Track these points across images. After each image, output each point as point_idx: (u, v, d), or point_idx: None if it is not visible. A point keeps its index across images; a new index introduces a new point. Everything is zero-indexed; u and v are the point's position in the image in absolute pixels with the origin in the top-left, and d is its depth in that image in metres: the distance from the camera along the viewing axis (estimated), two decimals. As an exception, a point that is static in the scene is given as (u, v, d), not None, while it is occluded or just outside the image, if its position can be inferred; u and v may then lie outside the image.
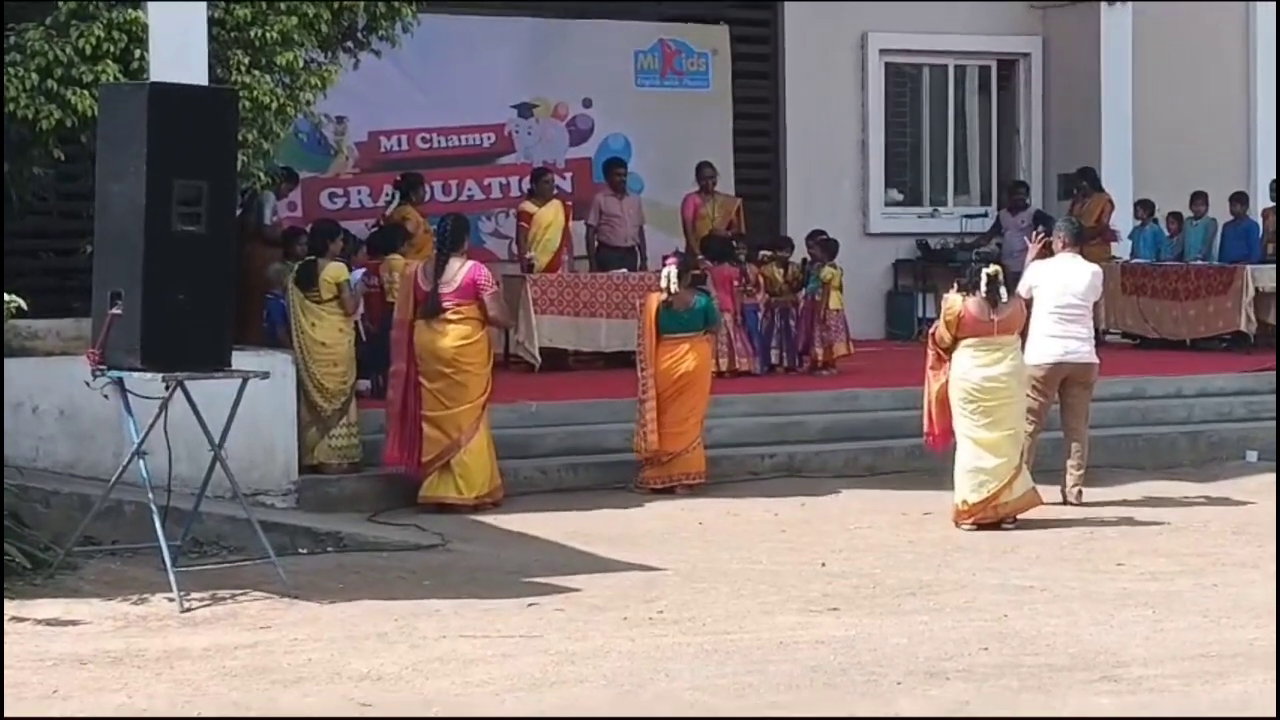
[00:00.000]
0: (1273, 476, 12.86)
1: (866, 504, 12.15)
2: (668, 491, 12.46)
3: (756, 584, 9.55)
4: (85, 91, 11.43)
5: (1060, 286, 12.17)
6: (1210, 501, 12.44)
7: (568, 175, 18.32)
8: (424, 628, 8.48)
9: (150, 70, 11.51)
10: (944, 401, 11.49)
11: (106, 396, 9.42)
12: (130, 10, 11.72)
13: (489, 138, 18.31)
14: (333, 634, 8.36)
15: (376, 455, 12.24)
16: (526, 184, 17.15)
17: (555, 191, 16.80)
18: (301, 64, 12.32)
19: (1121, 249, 18.45)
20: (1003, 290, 11.36)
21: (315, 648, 8.08)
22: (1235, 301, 17.01)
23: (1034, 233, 13.00)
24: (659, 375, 12.58)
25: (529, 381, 14.59)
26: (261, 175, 12.50)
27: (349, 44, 13.23)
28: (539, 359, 15.36)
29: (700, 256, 15.55)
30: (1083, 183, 18.53)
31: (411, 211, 15.53)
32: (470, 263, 12.16)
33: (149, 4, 11.69)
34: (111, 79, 11.35)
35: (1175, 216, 18.65)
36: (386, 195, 17.05)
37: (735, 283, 15.52)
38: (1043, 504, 11.56)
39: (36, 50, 11.52)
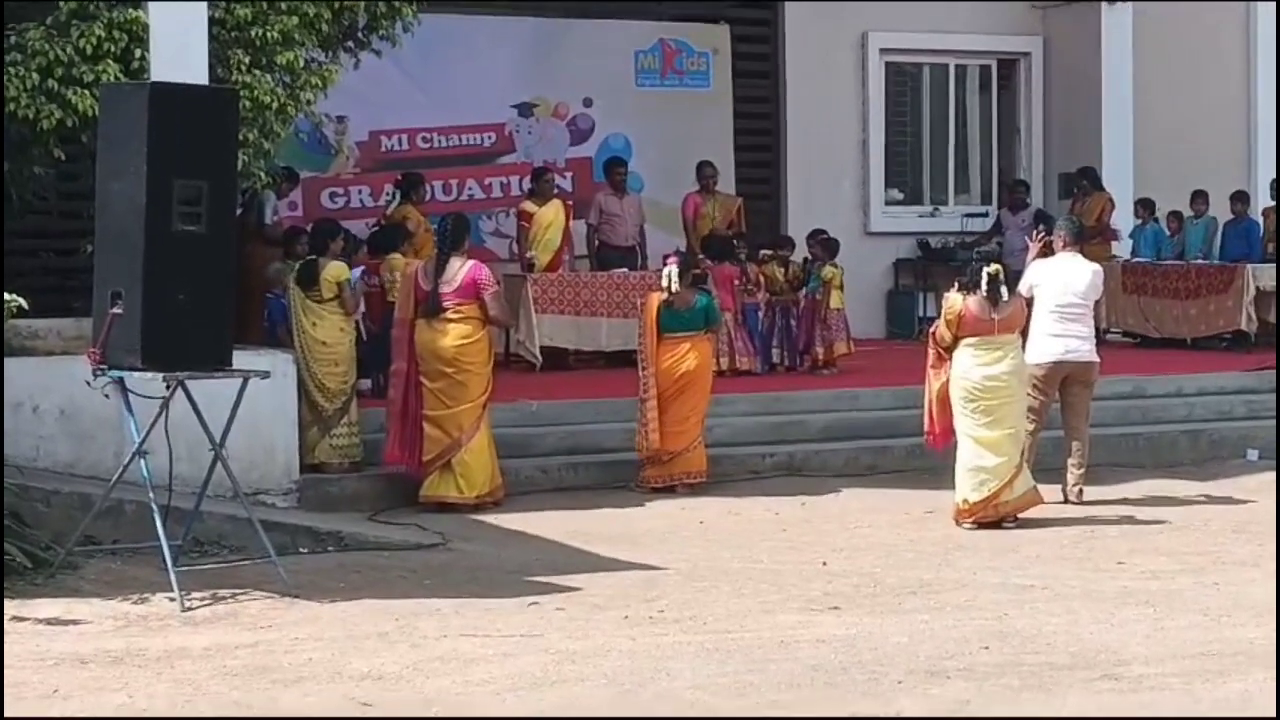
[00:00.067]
0: (1273, 475, 12.86)
1: (867, 503, 12.15)
2: (668, 491, 12.45)
3: (757, 583, 9.55)
4: (86, 91, 11.44)
5: (1061, 285, 12.16)
6: (1211, 500, 12.44)
7: (568, 175, 18.32)
8: (425, 627, 8.47)
9: (151, 70, 11.52)
10: (945, 400, 11.49)
11: (107, 396, 9.41)
12: (131, 10, 11.72)
13: (489, 137, 18.31)
14: (333, 633, 8.36)
15: (377, 455, 12.23)
16: (527, 183, 17.15)
17: (556, 191, 16.80)
18: (302, 63, 12.32)
19: (1122, 248, 18.45)
20: (1003, 289, 11.35)
21: (316, 647, 8.07)
22: (1236, 300, 17.00)
23: (1035, 232, 13.01)
24: (660, 374, 12.58)
25: (530, 381, 14.58)
26: (262, 175, 12.50)
27: (349, 43, 13.23)
28: (540, 358, 15.37)
29: (701, 256, 15.54)
30: (1083, 182, 18.52)
31: (412, 211, 15.52)
32: (471, 262, 12.16)
33: (149, 4, 11.70)
34: (112, 79, 11.36)
35: (1176, 215, 18.65)
36: (387, 195, 17.03)
37: (736, 282, 15.51)
38: (1043, 503, 11.56)
39: (37, 50, 11.53)
